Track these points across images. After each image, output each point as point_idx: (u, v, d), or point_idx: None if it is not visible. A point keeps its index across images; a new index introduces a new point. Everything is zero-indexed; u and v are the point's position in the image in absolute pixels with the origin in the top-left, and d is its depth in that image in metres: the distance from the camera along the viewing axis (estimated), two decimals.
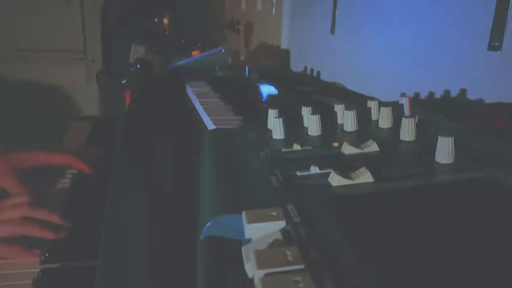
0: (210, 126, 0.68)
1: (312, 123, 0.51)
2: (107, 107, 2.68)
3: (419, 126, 0.48)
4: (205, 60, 1.32)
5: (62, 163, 0.86)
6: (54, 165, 0.85)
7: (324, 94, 0.88)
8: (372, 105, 0.58)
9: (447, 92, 0.75)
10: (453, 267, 0.26)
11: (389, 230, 0.30)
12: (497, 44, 0.65)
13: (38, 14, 2.57)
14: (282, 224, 0.32)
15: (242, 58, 2.08)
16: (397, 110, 0.54)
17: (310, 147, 0.47)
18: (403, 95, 0.61)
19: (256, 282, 0.26)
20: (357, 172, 0.38)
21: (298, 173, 0.39)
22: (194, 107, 0.83)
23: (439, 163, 0.41)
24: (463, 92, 0.72)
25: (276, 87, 0.94)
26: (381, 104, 0.57)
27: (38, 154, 0.82)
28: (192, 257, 0.34)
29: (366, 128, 0.54)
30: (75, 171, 0.91)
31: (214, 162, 0.47)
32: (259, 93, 0.90)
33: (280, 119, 0.50)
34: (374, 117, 0.57)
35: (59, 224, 0.70)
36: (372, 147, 0.45)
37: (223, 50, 1.35)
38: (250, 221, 0.32)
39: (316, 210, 0.33)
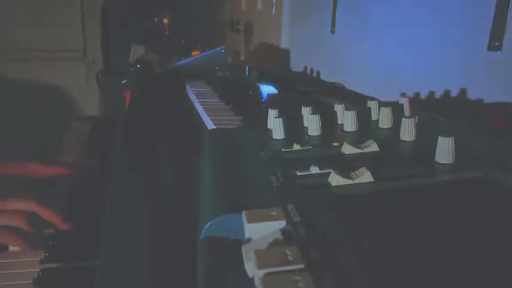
0: (210, 126, 0.68)
1: (312, 123, 0.51)
2: (107, 107, 2.68)
3: (419, 126, 0.48)
4: (205, 60, 1.32)
5: (55, 175, 0.86)
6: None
7: (324, 94, 0.88)
8: (372, 105, 0.58)
9: (447, 92, 0.75)
10: (453, 267, 0.26)
11: (389, 230, 0.30)
12: (497, 44, 0.65)
13: (38, 14, 2.57)
14: (282, 223, 0.32)
15: (242, 58, 2.08)
16: (397, 110, 0.54)
17: (310, 147, 0.47)
18: (403, 95, 0.61)
19: (256, 281, 0.26)
20: (357, 172, 0.38)
21: (298, 173, 0.39)
22: (194, 107, 0.83)
23: (439, 163, 0.41)
24: (463, 92, 0.72)
25: (276, 87, 0.94)
26: (381, 104, 0.57)
27: (31, 166, 0.82)
28: (192, 257, 0.34)
29: (366, 128, 0.54)
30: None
31: (214, 162, 0.47)
32: (259, 93, 0.90)
33: (280, 119, 0.50)
34: (374, 117, 0.57)
35: (58, 226, 0.71)
36: (372, 147, 0.45)
37: (223, 50, 1.35)
38: (250, 221, 0.32)
39: (316, 210, 0.33)
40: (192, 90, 0.90)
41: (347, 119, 0.53)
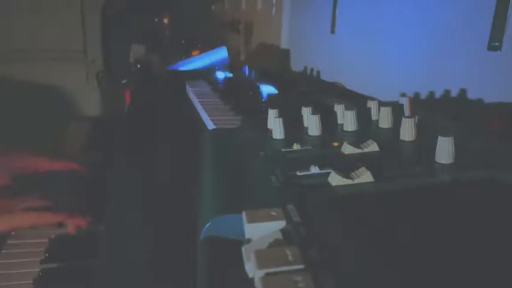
0: (210, 126, 0.68)
1: (312, 123, 0.51)
2: (107, 107, 2.68)
3: (419, 126, 0.48)
4: (206, 59, 1.32)
5: (62, 169, 0.86)
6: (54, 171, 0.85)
7: (324, 94, 0.88)
8: (372, 105, 0.58)
9: (447, 92, 0.75)
10: (453, 267, 0.26)
11: (389, 230, 0.30)
12: (497, 44, 0.65)
13: (38, 14, 2.57)
14: (282, 223, 0.32)
15: (242, 58, 2.08)
16: (397, 110, 0.54)
17: (310, 147, 0.47)
18: (403, 95, 0.61)
19: (257, 282, 0.26)
20: (357, 172, 0.38)
21: (298, 173, 0.39)
22: (194, 107, 0.83)
23: (439, 163, 0.41)
24: (463, 92, 0.72)
25: (276, 87, 0.94)
26: (381, 104, 0.57)
27: (39, 161, 0.82)
28: (192, 257, 0.34)
29: (366, 128, 0.54)
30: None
31: (214, 162, 0.47)
32: (259, 93, 0.90)
33: (280, 119, 0.50)
34: (374, 117, 0.57)
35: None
36: (372, 147, 0.45)
37: (223, 50, 1.35)
38: (250, 221, 0.32)
39: (316, 210, 0.33)
40: (192, 90, 0.90)
41: (347, 119, 0.53)
